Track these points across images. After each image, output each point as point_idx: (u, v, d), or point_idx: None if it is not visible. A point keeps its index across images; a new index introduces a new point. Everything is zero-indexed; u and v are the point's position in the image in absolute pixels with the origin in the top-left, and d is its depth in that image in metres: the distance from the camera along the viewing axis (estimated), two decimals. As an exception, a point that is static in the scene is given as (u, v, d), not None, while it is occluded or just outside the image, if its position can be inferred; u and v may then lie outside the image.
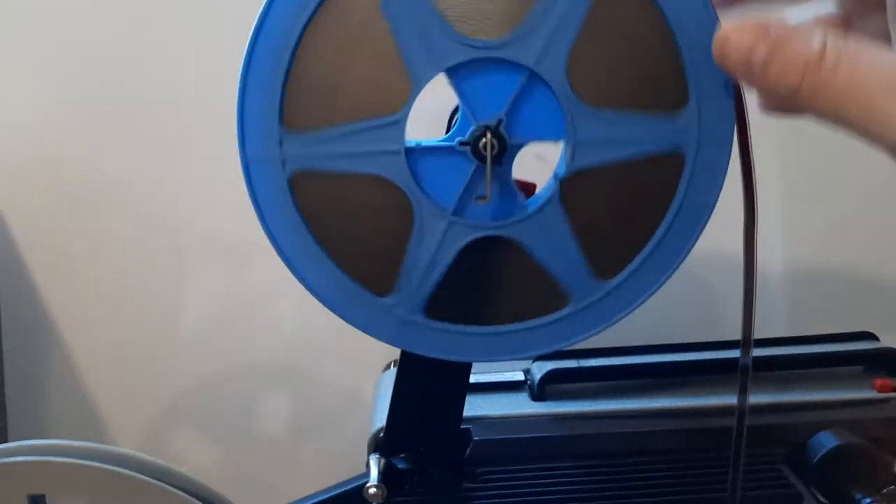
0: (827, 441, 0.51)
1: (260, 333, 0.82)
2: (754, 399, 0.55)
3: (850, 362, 0.58)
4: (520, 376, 0.58)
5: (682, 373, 0.56)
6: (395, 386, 0.49)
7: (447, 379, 0.49)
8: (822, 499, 0.49)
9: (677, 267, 0.41)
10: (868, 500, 0.48)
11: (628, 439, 0.52)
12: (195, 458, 0.84)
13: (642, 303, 0.41)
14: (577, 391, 0.56)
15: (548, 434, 0.52)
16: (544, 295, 0.42)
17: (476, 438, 0.51)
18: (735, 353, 0.59)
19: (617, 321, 0.42)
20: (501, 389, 0.57)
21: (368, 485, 0.46)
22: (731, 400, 0.55)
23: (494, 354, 0.42)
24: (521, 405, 0.55)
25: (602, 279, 0.41)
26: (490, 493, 0.49)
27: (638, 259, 0.40)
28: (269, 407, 0.84)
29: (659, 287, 0.41)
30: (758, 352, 0.59)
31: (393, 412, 0.50)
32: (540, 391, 0.56)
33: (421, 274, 0.41)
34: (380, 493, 0.46)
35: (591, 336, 0.42)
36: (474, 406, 0.55)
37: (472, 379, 0.58)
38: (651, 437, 0.51)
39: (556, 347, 0.42)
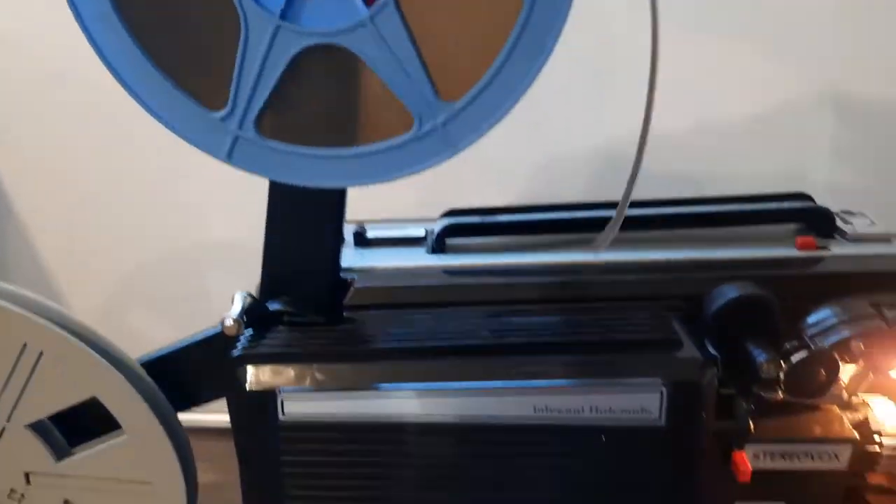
0: (728, 292, 0.47)
1: (214, 211, 0.82)
2: (662, 255, 0.52)
3: (774, 220, 0.53)
4: (421, 232, 0.56)
5: (588, 229, 0.53)
6: (266, 223, 0.48)
7: (317, 214, 0.47)
8: (713, 351, 0.46)
9: (526, 90, 0.37)
10: (763, 356, 0.45)
11: (510, 290, 0.49)
12: (152, 334, 0.85)
13: (489, 129, 0.39)
14: (477, 246, 0.54)
15: (429, 283, 0.50)
16: (387, 115, 0.39)
17: (358, 286, 0.50)
18: (644, 211, 0.55)
19: (463, 148, 0.39)
20: (400, 244, 0.55)
21: (225, 316, 0.45)
22: (629, 257, 0.52)
23: (330, 179, 0.40)
24: (415, 258, 0.53)
25: (447, 99, 0.38)
26: (363, 334, 0.48)
27: (484, 78, 0.38)
28: (224, 285, 0.84)
29: (506, 112, 0.38)
30: (681, 209, 0.56)
31: (266, 252, 0.49)
32: (438, 245, 0.54)
33: (251, 84, 0.39)
34: (236, 326, 0.45)
35: (436, 164, 0.39)
36: (366, 258, 0.53)
37: (371, 234, 0.56)
38: (530, 288, 0.49)
39: (397, 175, 0.40)
